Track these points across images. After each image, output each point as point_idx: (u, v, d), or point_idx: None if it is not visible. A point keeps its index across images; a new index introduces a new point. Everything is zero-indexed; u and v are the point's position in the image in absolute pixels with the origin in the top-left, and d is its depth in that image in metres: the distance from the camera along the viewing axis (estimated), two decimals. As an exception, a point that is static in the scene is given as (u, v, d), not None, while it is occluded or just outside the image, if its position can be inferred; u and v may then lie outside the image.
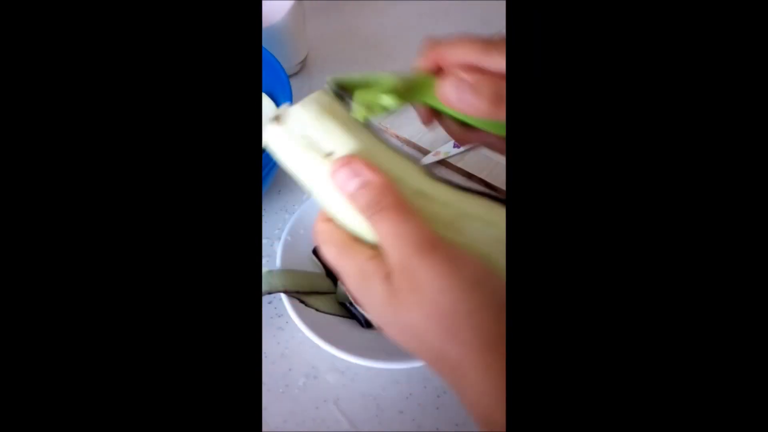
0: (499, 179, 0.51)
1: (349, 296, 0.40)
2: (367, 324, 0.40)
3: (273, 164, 0.45)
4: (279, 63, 0.48)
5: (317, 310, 0.40)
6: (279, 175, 0.54)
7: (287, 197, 0.52)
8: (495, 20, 0.73)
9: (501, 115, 0.26)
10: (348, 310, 0.41)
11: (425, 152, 0.55)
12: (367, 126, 0.28)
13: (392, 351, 0.37)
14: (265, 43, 0.50)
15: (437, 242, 0.24)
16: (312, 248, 0.44)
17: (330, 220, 0.28)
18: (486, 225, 0.26)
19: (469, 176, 0.53)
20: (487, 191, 0.29)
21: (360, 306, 0.39)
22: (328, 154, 0.27)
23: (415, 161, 0.28)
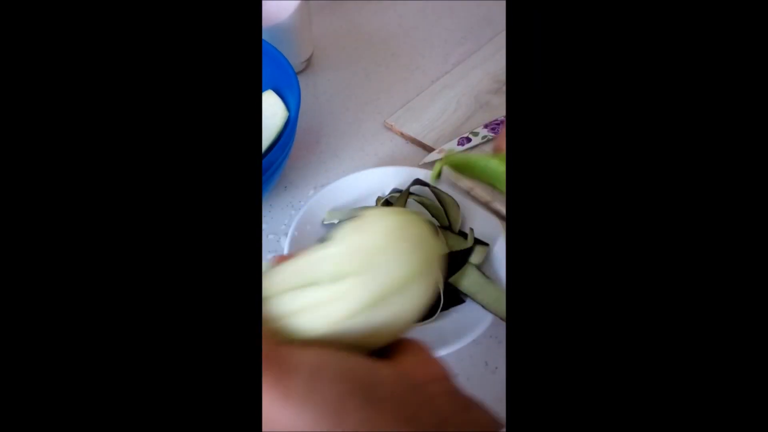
0: (503, 176, 0.52)
1: None
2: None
3: (280, 162, 0.45)
4: (287, 60, 0.49)
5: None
6: (285, 172, 0.54)
7: (293, 193, 0.53)
8: (497, 19, 0.73)
9: None
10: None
11: (430, 150, 0.55)
12: None
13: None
14: (271, 42, 0.51)
15: (269, 360, 0.22)
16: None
17: None
18: (315, 309, 0.24)
19: (473, 173, 0.53)
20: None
21: None
22: None
23: None
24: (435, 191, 0.47)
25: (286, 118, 0.48)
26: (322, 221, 0.46)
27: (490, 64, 0.65)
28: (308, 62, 0.66)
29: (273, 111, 0.48)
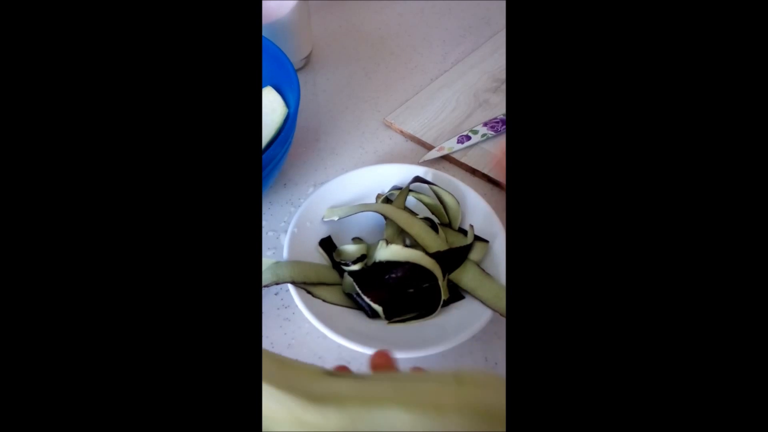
0: (500, 174, 0.52)
1: (355, 287, 0.40)
2: (373, 314, 0.40)
3: (279, 159, 0.45)
4: (286, 57, 0.49)
5: (324, 300, 0.40)
6: (285, 170, 0.54)
7: (293, 191, 0.53)
8: (495, 19, 0.73)
9: None
10: (354, 301, 0.41)
11: (429, 147, 0.55)
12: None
13: (398, 341, 0.38)
14: (270, 39, 0.51)
15: None
16: (318, 240, 0.45)
17: None
18: None
19: (473, 171, 0.53)
20: None
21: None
22: None
23: None
24: (435, 189, 0.47)
25: (286, 114, 0.48)
26: (322, 218, 0.46)
27: (488, 62, 0.65)
28: (307, 60, 0.66)
29: (272, 107, 0.48)
